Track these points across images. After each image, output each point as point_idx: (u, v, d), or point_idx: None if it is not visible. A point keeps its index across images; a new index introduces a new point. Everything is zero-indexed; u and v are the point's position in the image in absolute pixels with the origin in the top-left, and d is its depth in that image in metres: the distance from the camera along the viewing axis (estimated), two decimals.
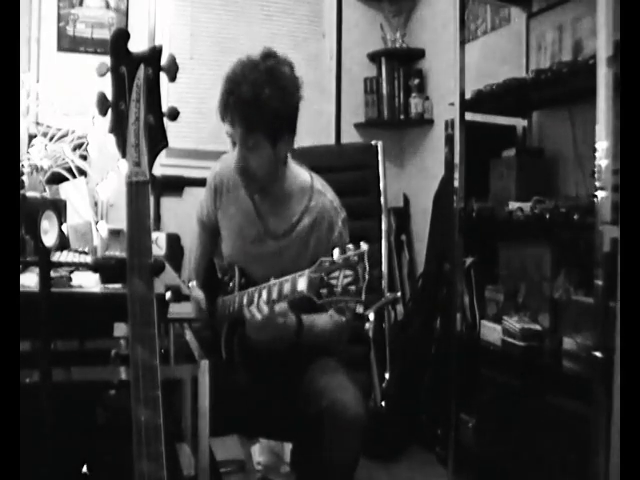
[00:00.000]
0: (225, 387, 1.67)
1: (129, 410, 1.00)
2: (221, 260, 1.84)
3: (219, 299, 1.72)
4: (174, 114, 1.03)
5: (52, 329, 1.30)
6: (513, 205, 2.32)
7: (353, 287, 1.27)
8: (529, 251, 2.50)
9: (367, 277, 1.27)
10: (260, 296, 1.51)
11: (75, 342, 1.88)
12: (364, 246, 1.29)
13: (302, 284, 1.35)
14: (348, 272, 1.28)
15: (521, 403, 2.23)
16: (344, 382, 1.61)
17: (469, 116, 2.57)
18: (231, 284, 1.71)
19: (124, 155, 1.01)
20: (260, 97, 1.53)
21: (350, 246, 1.30)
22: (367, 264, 1.27)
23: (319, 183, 1.76)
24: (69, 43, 3.28)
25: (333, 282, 1.29)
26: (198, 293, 1.76)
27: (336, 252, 1.30)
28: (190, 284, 1.83)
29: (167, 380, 1.09)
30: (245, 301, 1.56)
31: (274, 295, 1.46)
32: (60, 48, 3.28)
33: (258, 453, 2.59)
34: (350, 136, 3.61)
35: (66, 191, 2.01)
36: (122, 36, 1.01)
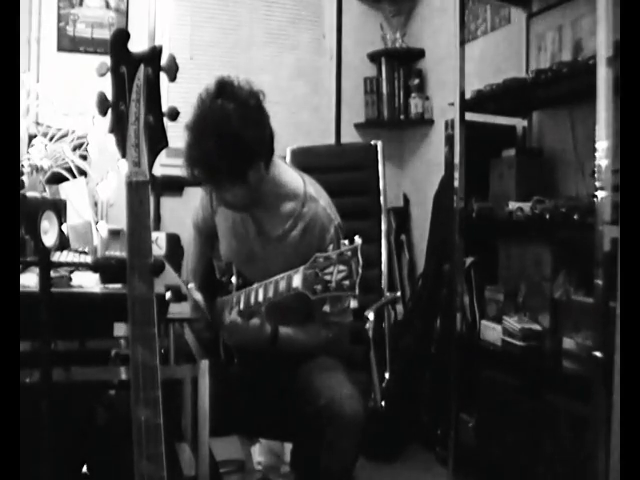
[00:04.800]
0: (224, 387, 1.67)
1: (129, 410, 1.00)
2: (220, 261, 1.85)
3: (217, 299, 1.72)
4: (174, 114, 1.03)
5: (52, 329, 1.30)
6: (513, 205, 2.32)
7: (347, 282, 1.28)
8: (529, 251, 2.49)
9: (360, 271, 1.27)
10: (257, 295, 1.52)
11: (75, 342, 1.88)
12: (358, 240, 1.29)
13: (297, 281, 1.36)
14: (342, 267, 1.28)
15: (521, 403, 2.23)
16: (342, 380, 1.61)
17: (469, 116, 2.57)
18: (230, 284, 1.72)
19: (124, 155, 1.01)
20: (208, 158, 1.51)
21: (344, 241, 1.31)
22: (360, 258, 1.27)
23: (312, 188, 1.75)
24: (69, 43, 3.28)
25: (327, 278, 1.30)
26: (197, 295, 1.76)
27: (330, 248, 1.30)
28: (189, 286, 1.83)
29: (167, 380, 1.09)
30: (242, 300, 1.56)
31: (270, 293, 1.47)
32: (60, 48, 3.27)
33: (258, 453, 2.59)
34: (350, 136, 3.60)
35: (66, 191, 2.01)
36: (122, 36, 1.01)
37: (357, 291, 1.27)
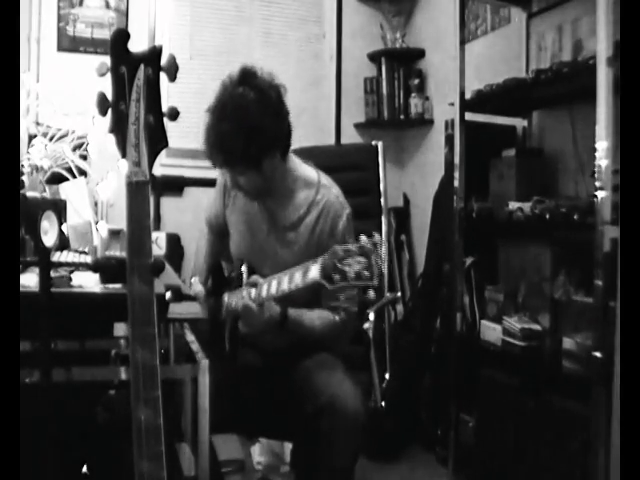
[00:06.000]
0: (225, 384, 1.67)
1: (129, 410, 1.00)
2: (229, 263, 1.86)
3: (226, 294, 1.72)
4: (174, 114, 1.03)
5: (52, 329, 1.30)
6: (513, 205, 2.32)
7: (366, 272, 1.28)
8: (529, 251, 2.50)
9: (381, 264, 1.28)
10: (269, 287, 1.52)
11: (75, 342, 1.88)
12: (377, 236, 1.30)
13: (315, 271, 1.37)
14: (361, 259, 1.29)
15: (521, 403, 2.23)
16: (342, 378, 1.62)
17: (469, 116, 2.57)
18: (240, 279, 1.73)
19: (124, 155, 1.01)
20: (226, 141, 1.55)
21: (363, 237, 1.31)
22: (382, 253, 1.28)
23: (325, 179, 1.80)
24: (69, 43, 3.28)
25: (346, 268, 1.30)
26: (197, 287, 1.78)
27: (342, 235, 1.31)
28: (192, 279, 1.85)
29: (167, 380, 1.09)
30: (253, 294, 1.56)
31: (284, 285, 1.47)
32: (60, 48, 3.27)
33: (258, 453, 2.59)
34: (350, 136, 3.60)
35: (66, 191, 2.01)
36: (122, 36, 1.01)
37: (376, 282, 1.28)
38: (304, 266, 1.41)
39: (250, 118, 1.55)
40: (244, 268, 1.70)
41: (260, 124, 1.56)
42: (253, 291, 1.56)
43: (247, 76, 1.60)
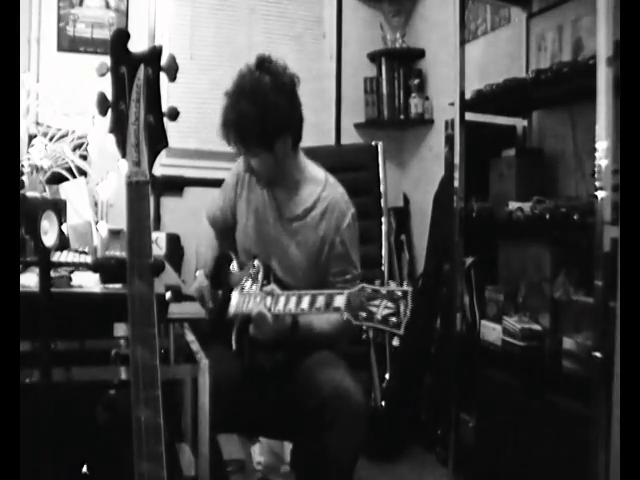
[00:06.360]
0: (226, 382, 1.67)
1: (129, 410, 1.00)
2: (235, 255, 1.88)
3: (235, 292, 1.72)
4: (174, 114, 1.03)
5: (52, 329, 1.30)
6: (513, 205, 2.32)
7: (394, 319, 1.29)
8: (529, 251, 2.49)
9: (409, 315, 1.29)
10: (287, 303, 1.52)
11: (75, 342, 1.87)
12: (408, 287, 1.32)
13: (340, 301, 1.38)
14: (390, 304, 1.30)
15: (521, 403, 2.23)
16: (344, 374, 1.64)
17: (469, 116, 2.57)
18: (246, 278, 1.73)
19: (124, 155, 1.01)
20: (243, 119, 1.65)
21: (392, 283, 1.34)
22: (410, 303, 1.29)
23: (332, 179, 1.86)
24: (69, 43, 3.28)
25: (373, 309, 1.31)
26: (201, 280, 1.80)
27: (377, 283, 1.33)
28: (197, 272, 1.87)
29: (167, 380, 1.09)
30: (268, 302, 1.57)
31: (304, 305, 1.48)
32: (60, 48, 3.27)
33: (258, 453, 2.59)
34: (350, 136, 3.61)
35: (66, 191, 2.01)
36: (122, 36, 1.01)
37: (402, 331, 1.29)
38: (327, 293, 1.43)
39: (265, 99, 1.64)
40: (260, 270, 1.70)
41: (274, 105, 1.65)
42: (269, 299, 1.57)
43: (263, 62, 1.70)
